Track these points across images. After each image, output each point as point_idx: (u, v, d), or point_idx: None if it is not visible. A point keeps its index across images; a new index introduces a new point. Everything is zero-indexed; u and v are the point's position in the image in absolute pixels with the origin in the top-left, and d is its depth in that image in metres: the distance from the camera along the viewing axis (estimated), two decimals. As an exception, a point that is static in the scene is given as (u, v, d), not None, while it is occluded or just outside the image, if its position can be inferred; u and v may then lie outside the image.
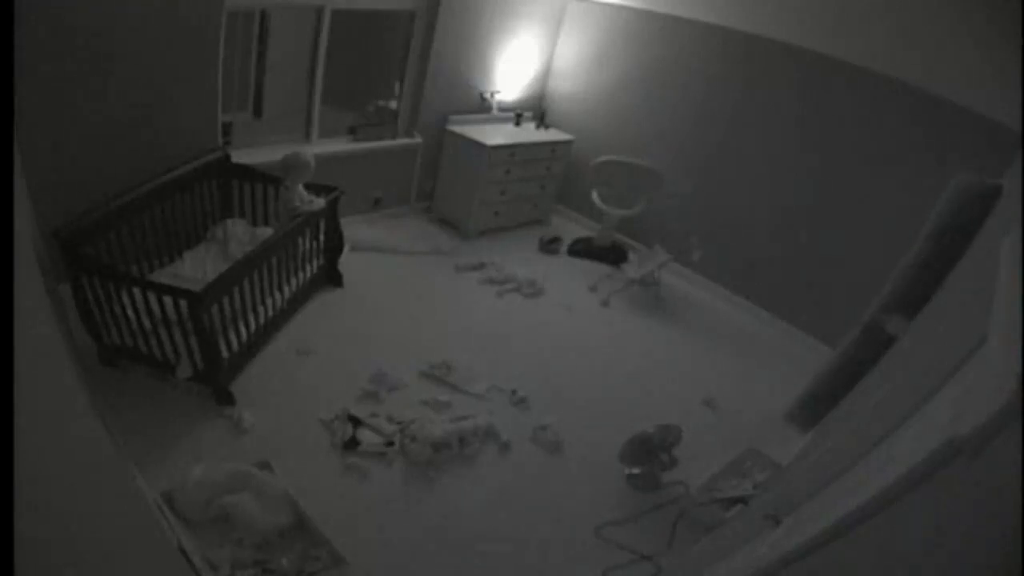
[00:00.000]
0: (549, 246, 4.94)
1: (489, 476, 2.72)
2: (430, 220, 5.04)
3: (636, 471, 2.80)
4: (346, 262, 3.88)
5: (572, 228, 5.36)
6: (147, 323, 2.59)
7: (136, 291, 2.53)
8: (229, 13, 3.24)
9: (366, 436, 2.72)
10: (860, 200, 3.76)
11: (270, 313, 3.10)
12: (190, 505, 2.18)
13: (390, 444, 2.71)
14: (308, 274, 3.48)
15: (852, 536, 1.03)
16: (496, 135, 4.68)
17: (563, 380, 3.43)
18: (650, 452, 2.78)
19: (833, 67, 3.78)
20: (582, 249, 4.96)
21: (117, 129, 3.03)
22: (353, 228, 4.19)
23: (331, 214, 3.56)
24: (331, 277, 3.81)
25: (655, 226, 4.89)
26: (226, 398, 2.74)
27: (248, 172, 3.51)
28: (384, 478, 2.59)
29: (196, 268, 3.12)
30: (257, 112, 4.43)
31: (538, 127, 5.14)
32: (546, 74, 5.33)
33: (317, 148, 4.04)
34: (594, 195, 4.85)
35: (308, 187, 3.35)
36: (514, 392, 3.19)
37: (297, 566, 2.09)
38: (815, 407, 3.31)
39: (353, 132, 4.40)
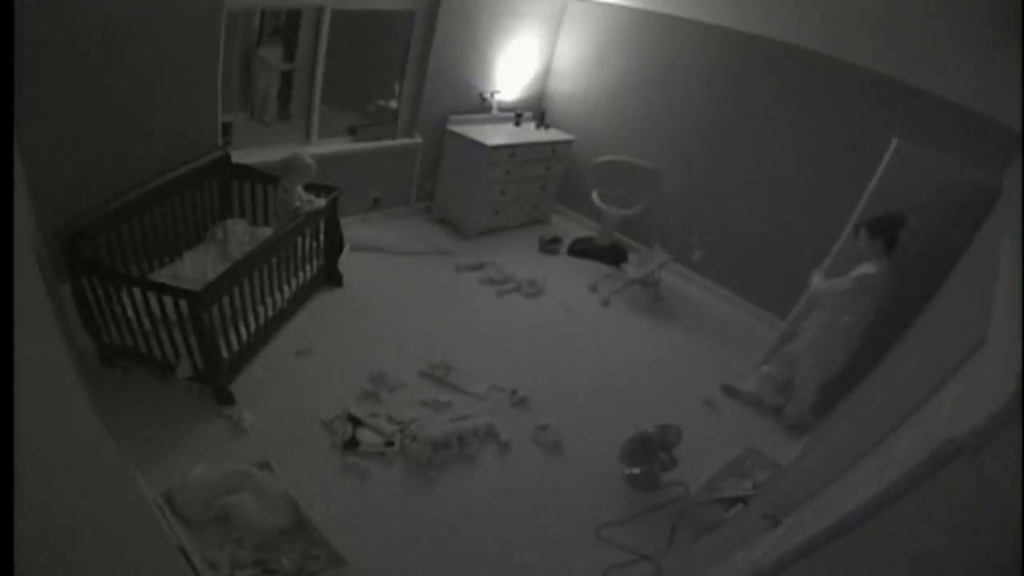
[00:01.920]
0: (549, 246, 4.93)
1: (489, 476, 2.72)
2: (430, 220, 5.04)
3: (636, 471, 2.79)
4: (346, 262, 3.88)
5: (572, 228, 5.36)
6: (147, 323, 2.59)
7: (136, 291, 2.53)
8: (229, 13, 3.24)
9: (366, 436, 2.72)
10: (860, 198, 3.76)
11: (270, 313, 3.09)
12: (190, 505, 2.18)
13: (390, 444, 2.71)
14: (308, 274, 3.48)
15: (852, 536, 1.03)
16: (496, 135, 4.68)
17: (563, 380, 3.43)
18: (650, 452, 2.78)
19: (832, 66, 3.78)
20: (582, 249, 4.96)
21: (117, 129, 3.03)
22: (353, 228, 4.19)
23: (331, 214, 3.56)
24: (331, 277, 3.81)
25: (655, 226, 4.89)
26: (226, 398, 2.74)
27: (248, 172, 3.51)
28: (384, 478, 2.59)
29: (196, 268, 3.12)
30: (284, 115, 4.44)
31: (538, 127, 5.14)
32: (546, 74, 5.33)
33: (317, 148, 4.04)
34: (594, 195, 4.86)
35: (308, 187, 3.35)
36: (514, 392, 3.19)
37: (297, 566, 2.09)
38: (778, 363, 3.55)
39: (353, 132, 4.40)
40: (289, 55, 4.32)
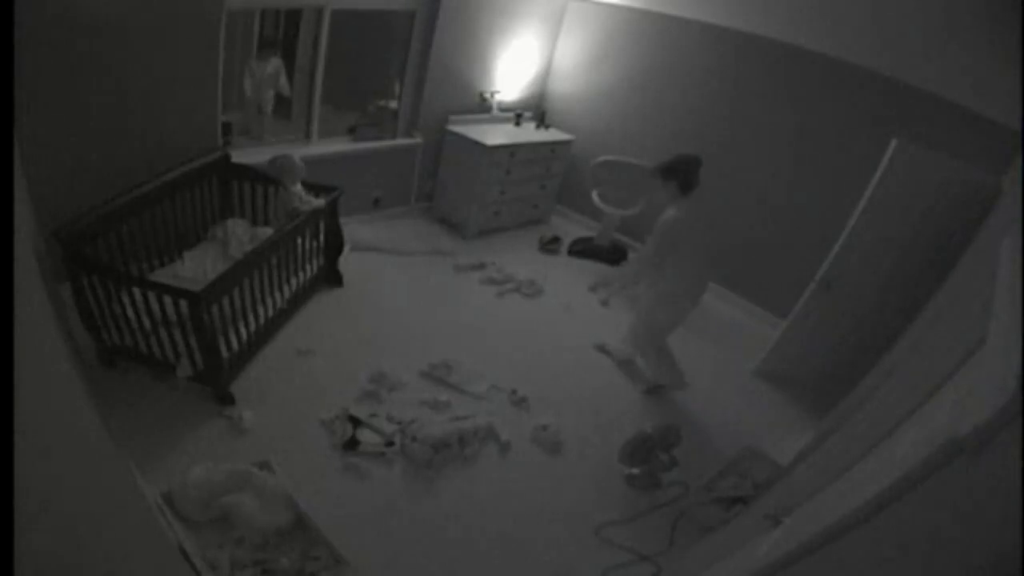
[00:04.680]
0: (549, 246, 4.94)
1: (489, 476, 2.72)
2: (430, 220, 5.04)
3: (636, 471, 2.80)
4: (346, 262, 3.88)
5: (572, 228, 5.36)
6: (147, 323, 2.59)
7: (136, 291, 2.53)
8: (229, 13, 3.24)
9: (366, 436, 2.72)
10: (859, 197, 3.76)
11: (270, 313, 3.09)
12: (190, 505, 2.18)
13: (390, 444, 2.71)
14: (308, 274, 3.48)
15: (852, 536, 1.03)
16: (496, 135, 4.68)
17: (563, 380, 3.43)
18: (650, 452, 2.78)
19: (832, 66, 3.79)
20: (582, 249, 4.96)
21: (117, 129, 3.03)
22: (353, 228, 4.19)
23: (331, 214, 3.56)
24: (331, 277, 3.81)
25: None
26: (226, 398, 2.74)
27: (248, 172, 3.51)
28: (384, 478, 2.59)
29: (196, 268, 3.12)
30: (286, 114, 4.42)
31: (538, 127, 5.15)
32: (546, 74, 5.34)
33: (317, 148, 4.05)
34: (594, 195, 4.86)
35: (308, 187, 3.36)
36: (514, 392, 3.19)
37: (297, 566, 2.09)
38: (778, 363, 3.75)
39: (353, 132, 4.40)
40: (286, 72, 4.23)
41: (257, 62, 4.11)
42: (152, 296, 2.49)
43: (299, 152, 3.47)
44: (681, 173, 2.92)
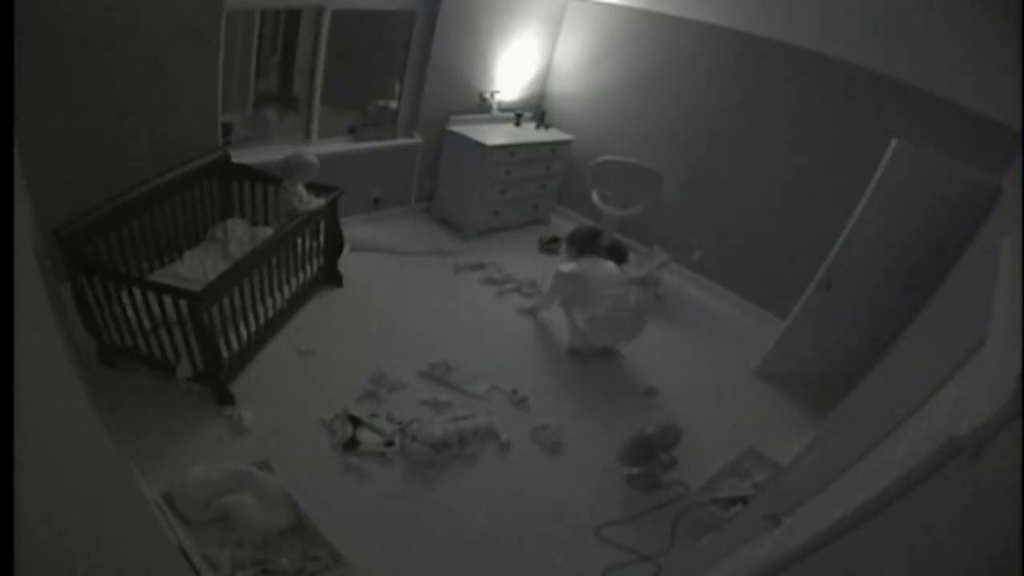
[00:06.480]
0: (549, 246, 4.94)
1: (489, 476, 2.72)
2: (430, 220, 5.04)
3: (636, 471, 2.80)
4: (346, 262, 3.87)
5: (572, 228, 5.35)
6: (147, 323, 2.58)
7: (136, 291, 2.52)
8: (229, 13, 3.24)
9: (366, 436, 2.72)
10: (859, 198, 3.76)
11: (270, 313, 3.09)
12: (190, 505, 2.18)
13: (390, 444, 2.71)
14: (308, 274, 3.48)
15: (852, 536, 1.03)
16: (496, 135, 4.68)
17: (563, 380, 3.43)
18: (650, 452, 2.78)
19: (832, 67, 3.79)
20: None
21: (117, 129, 3.02)
22: (353, 228, 4.19)
23: (331, 214, 3.56)
24: (331, 277, 3.81)
25: (655, 226, 4.89)
26: (226, 398, 2.74)
27: (248, 172, 3.51)
28: (384, 478, 2.58)
29: (196, 268, 3.12)
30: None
31: (538, 127, 5.14)
32: (546, 74, 5.34)
33: (317, 148, 4.04)
34: (594, 195, 4.85)
35: (308, 187, 3.36)
36: (514, 392, 3.19)
37: (297, 566, 2.09)
38: (778, 363, 3.81)
39: (353, 132, 4.40)
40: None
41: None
42: (152, 296, 2.49)
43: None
44: (578, 243, 3.78)
